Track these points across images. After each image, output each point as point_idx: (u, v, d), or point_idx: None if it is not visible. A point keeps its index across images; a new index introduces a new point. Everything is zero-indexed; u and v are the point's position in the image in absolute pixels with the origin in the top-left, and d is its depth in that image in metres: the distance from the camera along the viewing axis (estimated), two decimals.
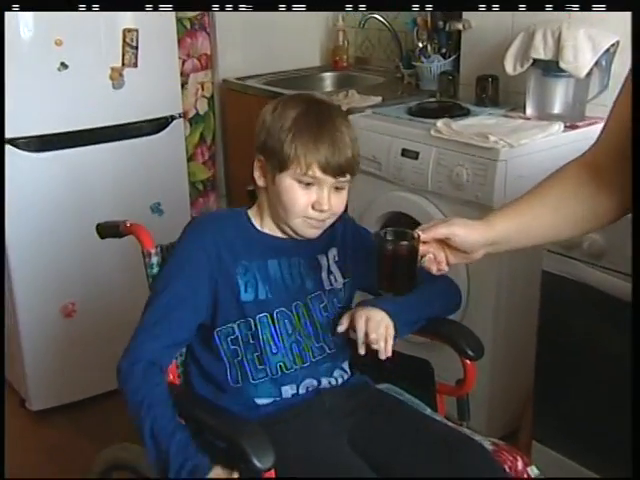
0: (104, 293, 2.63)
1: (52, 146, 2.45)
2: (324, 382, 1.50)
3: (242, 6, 1.45)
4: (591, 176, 1.27)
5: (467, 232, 1.27)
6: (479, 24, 2.60)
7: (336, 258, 1.53)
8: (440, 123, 2.25)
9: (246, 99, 3.09)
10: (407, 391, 1.62)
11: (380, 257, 1.28)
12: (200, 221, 1.48)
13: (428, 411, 1.57)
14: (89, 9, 1.48)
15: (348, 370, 1.56)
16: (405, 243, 1.26)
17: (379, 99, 2.69)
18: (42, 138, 2.43)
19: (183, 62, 3.08)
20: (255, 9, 1.56)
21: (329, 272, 1.52)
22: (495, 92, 2.50)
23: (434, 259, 1.29)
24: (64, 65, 2.40)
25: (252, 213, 1.50)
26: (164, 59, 2.64)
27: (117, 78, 2.51)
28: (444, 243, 1.29)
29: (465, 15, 2.64)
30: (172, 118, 2.70)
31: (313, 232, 1.43)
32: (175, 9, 2.45)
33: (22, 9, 1.39)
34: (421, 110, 2.48)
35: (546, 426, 2.07)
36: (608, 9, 1.16)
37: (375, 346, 1.40)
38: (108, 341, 2.60)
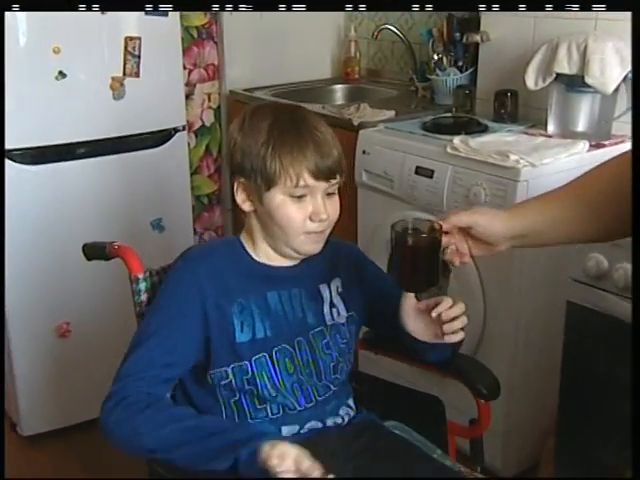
0: (101, 312, 2.57)
1: (48, 159, 2.42)
2: (329, 422, 1.43)
3: (242, 6, 1.46)
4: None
5: (490, 222, 1.25)
6: (498, 36, 2.54)
7: (339, 289, 1.46)
8: (457, 140, 2.20)
9: None
10: (416, 430, 1.55)
11: (399, 252, 1.23)
12: (191, 258, 1.40)
13: (438, 453, 1.50)
14: (89, 9, 1.49)
15: (353, 406, 1.50)
16: (426, 235, 1.22)
17: (392, 113, 2.65)
18: (38, 150, 2.39)
19: (189, 72, 3.08)
20: (255, 9, 1.57)
21: (331, 305, 1.45)
22: (514, 108, 2.45)
23: (456, 251, 1.27)
24: (62, 74, 2.36)
25: (245, 239, 1.42)
26: (168, 69, 2.60)
27: (118, 88, 2.47)
28: (466, 233, 1.27)
29: (483, 27, 2.59)
30: (175, 130, 2.66)
31: (316, 247, 1.37)
32: (175, 9, 2.43)
33: (22, 9, 1.43)
34: (436, 126, 2.44)
35: (569, 464, 1.98)
36: (608, 9, 1.16)
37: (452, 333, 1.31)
38: (105, 363, 2.55)
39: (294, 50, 3.29)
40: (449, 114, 2.65)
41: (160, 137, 2.62)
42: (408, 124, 2.51)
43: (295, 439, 1.34)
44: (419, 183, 2.24)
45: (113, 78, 2.45)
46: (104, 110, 2.46)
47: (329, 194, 1.34)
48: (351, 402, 1.49)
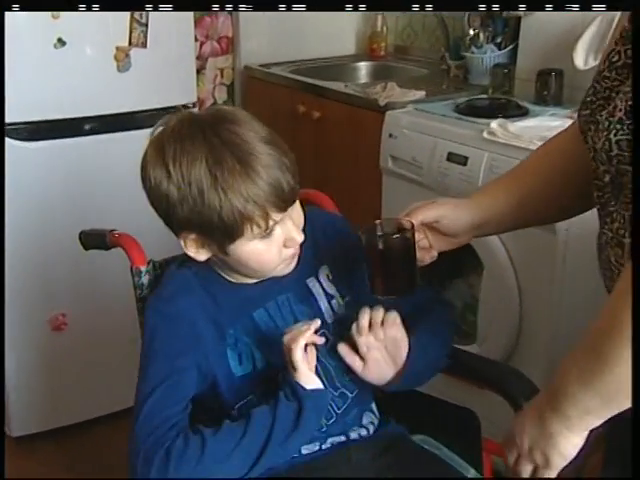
0: (101, 304, 2.56)
1: (45, 135, 2.39)
2: (353, 435, 1.39)
3: (242, 6, 1.53)
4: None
5: (457, 213, 1.29)
6: None
7: (330, 276, 1.40)
8: (494, 124, 2.18)
9: (270, 89, 3.08)
10: (447, 445, 1.50)
11: (372, 257, 1.25)
12: (166, 296, 1.31)
13: (472, 473, 1.45)
14: (89, 9, 1.53)
15: (377, 412, 1.45)
16: (399, 235, 1.24)
17: (422, 94, 2.64)
18: (34, 125, 2.36)
19: (201, 44, 3.08)
20: (255, 9, 1.67)
21: (329, 297, 1.39)
22: (559, 89, 2.43)
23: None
24: (61, 42, 2.32)
25: (215, 266, 1.33)
26: (178, 40, 2.57)
27: (123, 59, 2.43)
28: (428, 227, 1.30)
29: None
30: (185, 108, 2.61)
31: (293, 265, 1.30)
32: (175, 9, 2.41)
33: (22, 9, 1.48)
34: (471, 108, 2.42)
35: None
36: (608, 9, 1.23)
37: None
38: (103, 359, 2.62)
39: (315, 23, 3.25)
40: (485, 95, 2.63)
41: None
42: (440, 106, 2.50)
43: (316, 456, 1.34)
44: (451, 171, 2.22)
45: (118, 48, 2.41)
46: (107, 83, 2.43)
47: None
48: (374, 407, 1.44)
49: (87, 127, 2.44)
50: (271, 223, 1.20)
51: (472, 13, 2.79)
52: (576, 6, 1.28)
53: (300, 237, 1.24)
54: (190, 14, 2.60)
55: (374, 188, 2.52)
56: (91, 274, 2.52)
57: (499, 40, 2.74)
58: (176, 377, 1.23)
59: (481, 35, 2.77)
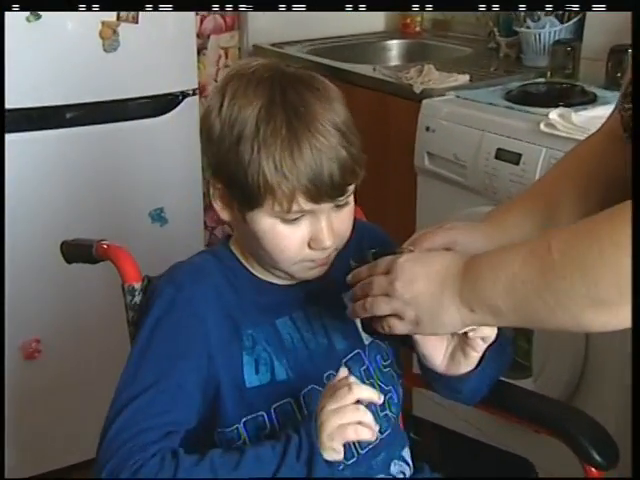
0: (78, 328, 2.60)
1: (18, 126, 2.40)
2: None
3: (242, 6, 1.67)
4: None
5: (471, 237, 1.32)
6: None
7: None
8: (554, 114, 2.17)
9: None
10: None
11: None
12: (182, 281, 1.33)
13: None
14: (89, 9, 1.62)
15: (410, 461, 1.45)
16: None
17: (466, 78, 2.64)
18: (6, 115, 2.35)
19: (201, 19, 3.13)
20: (255, 9, 1.86)
21: None
22: None
23: None
24: (36, 15, 2.35)
25: (237, 251, 1.37)
26: (176, 14, 2.60)
27: (110, 37, 2.47)
28: None
29: None
30: (184, 95, 2.68)
31: (316, 272, 1.32)
32: (175, 9, 2.46)
33: (22, 9, 1.63)
34: (525, 95, 2.43)
35: None
36: (608, 9, 1.31)
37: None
38: (84, 393, 2.62)
39: None
40: (543, 79, 2.63)
41: (164, 103, 2.64)
42: (487, 92, 2.50)
43: None
44: (501, 171, 2.22)
45: (104, 23, 2.45)
46: (92, 65, 2.46)
47: (338, 206, 1.28)
48: (407, 454, 1.44)
49: (68, 116, 2.47)
50: (295, 208, 1.22)
51: None
52: (576, 6, 1.33)
53: (329, 243, 1.26)
54: None
55: (408, 191, 2.53)
56: (69, 294, 2.55)
57: (561, 11, 2.74)
58: (171, 382, 1.24)
59: None
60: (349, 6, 1.65)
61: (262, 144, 1.20)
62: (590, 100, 2.35)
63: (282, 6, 1.60)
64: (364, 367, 1.38)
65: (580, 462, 1.40)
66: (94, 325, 2.57)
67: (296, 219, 1.24)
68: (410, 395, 1.55)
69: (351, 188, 1.27)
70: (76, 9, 1.60)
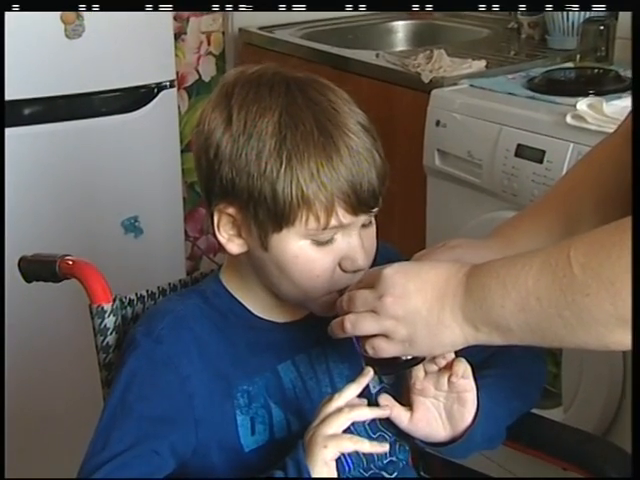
0: (43, 353, 2.61)
1: None
2: None
3: (242, 6, 1.74)
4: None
5: (479, 256, 1.30)
6: None
7: None
8: (583, 104, 2.17)
9: (274, 60, 3.00)
10: None
11: None
12: (159, 329, 1.32)
13: None
14: (89, 9, 1.77)
15: None
16: None
17: (482, 64, 2.65)
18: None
19: None
20: (255, 9, 1.93)
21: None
22: None
23: None
24: None
25: (232, 285, 1.37)
26: None
27: (73, 21, 2.49)
28: None
29: None
30: (159, 87, 2.71)
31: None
32: (175, 9, 2.60)
33: (22, 9, 1.63)
34: (550, 83, 2.44)
35: None
36: (608, 9, 1.28)
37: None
38: (43, 438, 2.62)
39: None
40: (571, 64, 2.66)
41: (137, 97, 2.67)
42: (506, 81, 2.52)
43: None
44: (522, 170, 2.23)
45: None
46: (54, 54, 2.49)
47: (364, 224, 1.30)
48: None
49: (26, 113, 2.50)
50: (333, 222, 1.23)
51: None
52: (576, 6, 1.38)
53: (363, 263, 1.27)
54: None
55: (416, 194, 2.55)
56: (32, 315, 2.55)
57: None
58: (151, 445, 1.24)
59: None
60: (349, 6, 1.75)
61: (292, 151, 1.20)
62: (626, 87, 2.34)
63: (282, 6, 1.69)
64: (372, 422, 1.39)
65: None
66: (61, 350, 2.57)
67: (329, 240, 1.25)
68: None
69: (381, 201, 1.29)
70: (76, 9, 1.59)
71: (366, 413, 1.21)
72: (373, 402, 1.38)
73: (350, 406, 1.19)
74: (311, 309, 1.33)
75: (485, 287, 1.10)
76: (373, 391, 1.39)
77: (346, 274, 1.27)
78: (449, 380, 1.28)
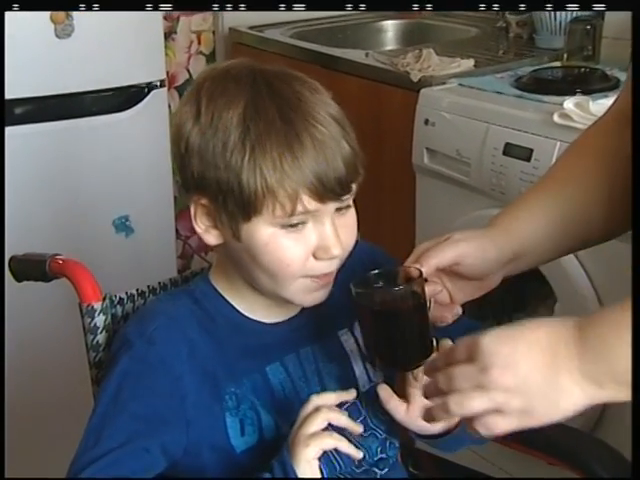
0: (33, 352, 2.59)
1: None
2: None
3: (242, 6, 1.71)
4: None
5: (482, 247, 1.32)
6: None
7: None
8: (570, 103, 2.18)
9: (264, 59, 3.02)
10: None
11: (368, 318, 1.29)
12: (150, 331, 1.33)
13: None
14: (89, 9, 1.69)
15: None
16: (404, 289, 1.26)
17: (470, 63, 2.66)
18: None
19: None
20: (255, 9, 1.96)
21: (364, 359, 1.42)
22: None
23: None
24: None
25: (221, 284, 1.38)
26: None
27: (63, 20, 2.50)
28: (447, 273, 1.33)
29: None
30: (150, 87, 2.71)
31: (319, 296, 1.34)
32: (175, 9, 2.64)
33: (22, 9, 1.61)
34: (538, 82, 2.46)
35: None
36: (608, 9, 1.30)
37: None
38: (39, 429, 2.63)
39: None
40: (558, 63, 2.67)
41: (128, 96, 2.67)
42: (494, 80, 2.53)
43: None
44: (510, 168, 2.24)
45: None
46: (44, 53, 2.49)
47: (340, 209, 1.30)
48: None
49: (18, 112, 2.49)
50: (299, 209, 1.23)
51: None
52: (576, 6, 1.39)
53: (337, 251, 1.27)
54: None
55: (406, 192, 2.56)
56: (22, 316, 2.53)
57: None
58: (142, 443, 1.25)
59: None
60: (349, 6, 1.75)
61: (256, 142, 1.22)
62: (612, 86, 2.35)
63: (282, 6, 1.69)
64: (361, 418, 1.40)
65: None
66: (52, 351, 2.56)
67: (299, 225, 1.26)
68: None
69: (354, 187, 1.29)
70: (76, 9, 1.62)
71: (343, 419, 1.22)
72: (363, 400, 1.39)
73: (328, 406, 1.21)
74: (287, 298, 1.33)
75: (602, 339, 1.05)
76: (362, 389, 1.40)
77: (319, 262, 1.28)
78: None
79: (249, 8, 1.76)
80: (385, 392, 1.33)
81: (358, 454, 1.22)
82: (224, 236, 1.30)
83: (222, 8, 1.66)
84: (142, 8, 2.01)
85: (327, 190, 1.24)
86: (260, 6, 1.81)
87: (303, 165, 1.22)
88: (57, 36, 2.48)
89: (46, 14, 2.45)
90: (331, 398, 1.24)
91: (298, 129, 1.24)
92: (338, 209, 1.29)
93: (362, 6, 1.75)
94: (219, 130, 1.24)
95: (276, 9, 1.71)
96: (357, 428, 1.23)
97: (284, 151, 1.22)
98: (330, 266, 1.29)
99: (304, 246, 1.26)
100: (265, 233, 1.25)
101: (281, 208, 1.23)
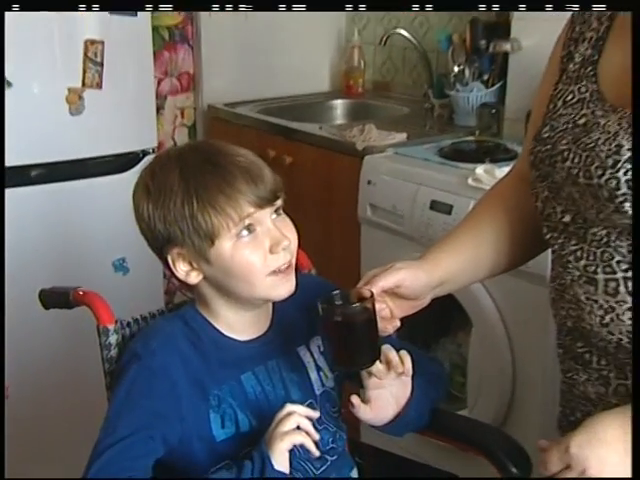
0: (46, 375, 2.58)
1: None
2: None
3: (242, 6, 1.63)
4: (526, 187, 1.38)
5: (416, 275, 1.38)
6: (531, 44, 2.58)
7: (321, 348, 1.50)
8: (480, 169, 2.25)
9: (236, 131, 3.11)
10: None
11: (331, 329, 1.33)
12: (153, 346, 1.41)
13: None
14: (89, 9, 1.65)
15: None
16: (359, 305, 1.31)
17: (403, 136, 2.71)
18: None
19: (159, 82, 3.14)
20: (255, 9, 1.79)
21: (318, 369, 1.49)
22: None
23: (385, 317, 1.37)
24: (7, 83, 2.39)
25: (203, 309, 1.45)
26: (136, 80, 2.67)
27: (76, 102, 2.52)
28: (389, 294, 1.38)
29: (514, 33, 2.63)
30: (144, 153, 2.71)
31: (288, 287, 1.40)
32: (175, 9, 2.57)
33: (22, 9, 1.55)
34: (456, 152, 2.51)
35: None
36: (608, 9, 1.35)
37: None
38: (53, 442, 2.60)
39: (285, 58, 3.33)
40: (471, 138, 2.70)
41: (126, 161, 2.65)
42: (422, 150, 2.56)
43: None
44: (435, 220, 2.28)
45: (70, 89, 2.51)
46: (59, 127, 2.50)
47: (277, 214, 1.38)
48: (355, 474, 1.53)
49: (36, 175, 2.51)
50: (244, 214, 1.32)
51: (455, 48, 2.88)
52: (576, 6, 1.41)
53: (286, 242, 1.35)
54: (149, 50, 2.67)
55: (352, 240, 2.59)
56: (37, 343, 2.53)
57: (486, 77, 2.81)
58: (149, 433, 1.32)
59: (466, 72, 2.83)
60: (349, 6, 1.69)
61: (197, 188, 1.31)
62: (512, 157, 2.38)
63: (282, 6, 1.61)
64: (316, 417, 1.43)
65: (500, 474, 1.47)
66: (63, 373, 2.55)
67: (250, 231, 1.33)
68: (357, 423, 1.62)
69: (281, 198, 1.38)
70: (76, 9, 1.61)
71: (309, 425, 1.29)
72: (318, 401, 1.46)
73: (298, 413, 1.29)
74: (263, 297, 1.39)
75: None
76: (317, 392, 1.47)
77: (276, 255, 1.34)
78: (401, 373, 1.37)
79: (249, 8, 1.67)
80: (356, 400, 1.39)
81: (317, 452, 1.30)
82: (201, 271, 1.36)
83: (222, 8, 1.58)
84: (142, 8, 2.05)
85: (261, 198, 1.32)
86: (260, 6, 1.72)
87: (238, 186, 1.31)
88: (71, 114, 2.50)
89: (62, 97, 2.46)
90: (301, 408, 1.30)
91: (226, 164, 1.33)
92: (276, 213, 1.37)
93: (362, 6, 1.67)
94: (167, 190, 1.33)
95: (276, 9, 1.63)
96: (316, 436, 1.29)
97: (220, 183, 1.31)
98: (285, 257, 1.35)
99: (260, 248, 1.34)
100: (228, 248, 1.33)
101: (231, 221, 1.31)
